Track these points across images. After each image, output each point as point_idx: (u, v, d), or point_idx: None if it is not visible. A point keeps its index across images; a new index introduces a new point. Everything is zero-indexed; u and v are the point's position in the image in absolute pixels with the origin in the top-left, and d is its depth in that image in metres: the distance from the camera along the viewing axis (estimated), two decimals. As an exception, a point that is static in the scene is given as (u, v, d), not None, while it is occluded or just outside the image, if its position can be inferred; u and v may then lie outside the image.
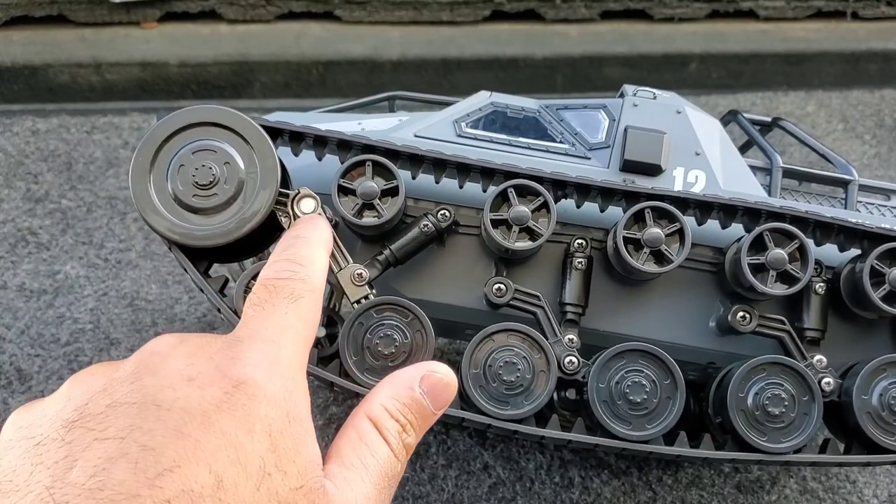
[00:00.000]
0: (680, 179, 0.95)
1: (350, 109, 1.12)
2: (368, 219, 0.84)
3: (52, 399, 0.57)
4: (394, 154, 0.87)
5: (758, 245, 0.85)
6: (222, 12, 1.77)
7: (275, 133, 0.87)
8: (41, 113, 1.63)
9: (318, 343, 1.10)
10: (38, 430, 0.54)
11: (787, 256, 0.84)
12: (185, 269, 0.84)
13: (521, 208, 0.84)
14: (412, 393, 0.65)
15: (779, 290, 0.84)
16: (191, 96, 1.74)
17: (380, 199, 0.84)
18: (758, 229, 0.85)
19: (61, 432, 0.53)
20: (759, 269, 0.85)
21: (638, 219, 0.86)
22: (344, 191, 0.85)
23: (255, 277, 0.82)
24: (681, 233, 0.84)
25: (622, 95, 1.01)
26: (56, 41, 1.74)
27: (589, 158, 0.96)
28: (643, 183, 0.92)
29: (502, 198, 0.85)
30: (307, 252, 0.67)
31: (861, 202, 1.02)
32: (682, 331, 0.92)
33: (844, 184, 1.02)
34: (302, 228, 0.71)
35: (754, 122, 1.16)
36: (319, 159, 0.90)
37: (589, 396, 0.82)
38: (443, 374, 0.67)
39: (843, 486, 1.14)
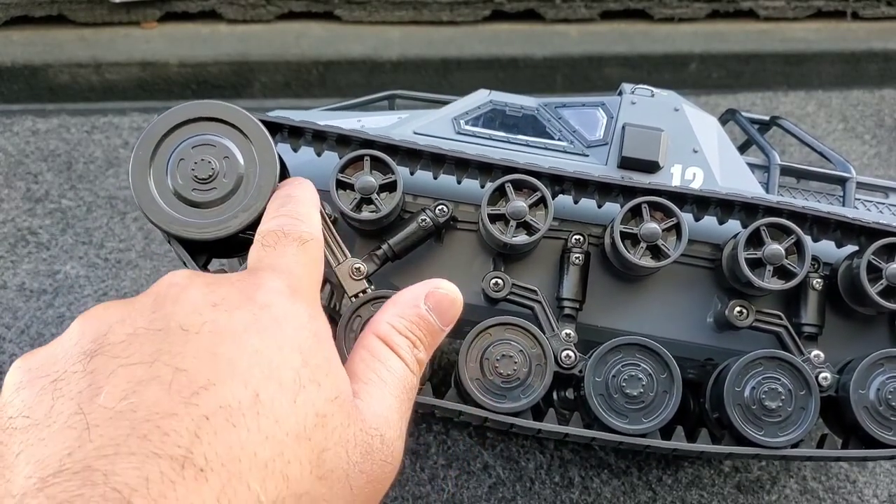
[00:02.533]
0: (678, 176, 0.95)
1: (350, 108, 1.12)
2: (367, 213, 0.85)
3: (62, 338, 0.56)
4: (392, 149, 0.87)
5: (755, 240, 0.85)
6: (222, 12, 1.77)
7: (274, 128, 0.88)
8: (41, 113, 1.62)
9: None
10: (53, 368, 0.53)
11: (783, 251, 0.84)
12: (185, 263, 0.84)
13: (518, 203, 0.84)
14: (418, 310, 0.67)
15: (776, 284, 0.84)
16: (191, 96, 1.72)
17: (378, 193, 0.85)
18: (754, 224, 0.85)
19: (81, 364, 0.52)
20: (755, 265, 0.85)
21: (635, 214, 0.86)
22: (342, 185, 0.85)
23: None
24: (678, 227, 0.84)
25: (620, 94, 1.01)
26: (56, 41, 1.73)
27: (587, 156, 0.96)
28: (641, 179, 0.92)
29: (500, 193, 0.86)
30: (304, 209, 0.70)
31: (859, 199, 1.02)
32: (679, 327, 0.92)
33: (842, 181, 1.02)
34: (292, 188, 0.74)
35: (752, 121, 1.16)
36: (318, 155, 0.90)
37: (586, 390, 0.82)
38: (447, 290, 0.68)
39: (843, 486, 1.14)
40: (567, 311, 0.88)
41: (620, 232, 0.85)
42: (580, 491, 1.12)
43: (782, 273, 0.85)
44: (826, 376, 0.85)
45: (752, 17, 1.88)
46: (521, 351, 0.82)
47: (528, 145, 0.97)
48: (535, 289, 0.87)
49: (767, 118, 1.18)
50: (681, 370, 0.83)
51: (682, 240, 0.84)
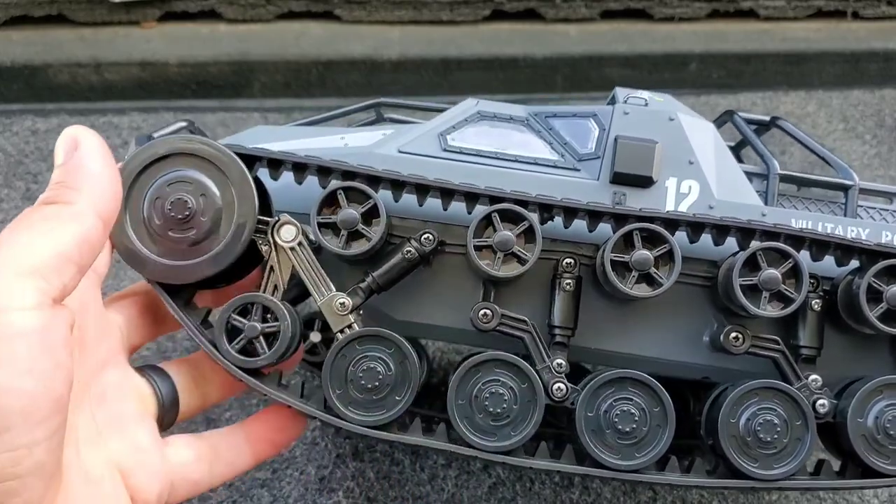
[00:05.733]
0: (672, 190, 0.93)
1: (334, 119, 1.10)
2: (357, 247, 0.83)
3: None
4: (375, 179, 0.85)
5: (751, 264, 0.82)
6: (222, 12, 1.77)
7: (251, 160, 0.85)
8: (41, 112, 1.63)
9: (312, 348, 1.10)
10: None
11: (780, 276, 0.81)
12: (167, 305, 0.83)
13: (505, 234, 0.81)
14: None
15: (772, 311, 0.82)
16: (190, 96, 1.73)
17: (362, 223, 0.82)
18: (750, 249, 0.82)
19: None
20: (752, 290, 0.82)
21: (627, 240, 0.83)
22: (325, 226, 0.83)
23: (235, 311, 0.81)
24: (671, 254, 0.82)
25: (613, 101, 0.98)
26: (56, 41, 1.73)
27: (578, 170, 0.94)
28: (634, 195, 0.91)
29: (487, 221, 0.83)
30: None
31: (862, 206, 1.00)
32: (675, 347, 0.91)
33: (845, 189, 0.99)
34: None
35: (752, 122, 1.12)
36: (300, 183, 0.88)
37: (577, 426, 0.81)
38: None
39: (843, 485, 1.14)
40: (558, 338, 0.86)
41: (611, 260, 0.82)
42: (580, 491, 1.12)
43: (779, 297, 0.82)
44: (823, 402, 0.84)
45: (752, 16, 1.86)
46: (511, 388, 0.81)
47: (517, 161, 0.94)
48: (526, 319, 0.85)
49: (767, 119, 1.15)
50: (677, 379, 0.82)
51: (675, 267, 0.82)
